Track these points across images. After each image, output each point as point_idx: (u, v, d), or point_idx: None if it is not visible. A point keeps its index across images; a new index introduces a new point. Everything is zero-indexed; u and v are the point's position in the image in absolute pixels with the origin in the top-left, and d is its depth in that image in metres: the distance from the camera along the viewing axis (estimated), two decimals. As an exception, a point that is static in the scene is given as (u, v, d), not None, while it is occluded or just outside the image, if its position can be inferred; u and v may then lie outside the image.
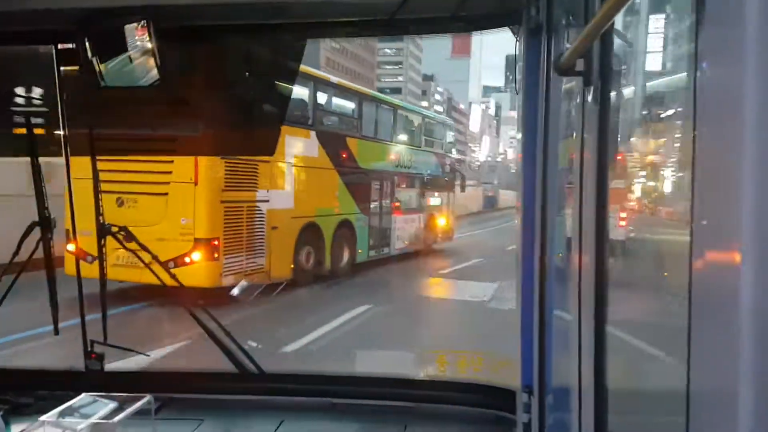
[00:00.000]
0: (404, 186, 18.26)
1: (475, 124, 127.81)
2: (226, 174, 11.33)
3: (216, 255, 10.89)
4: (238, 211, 11.54)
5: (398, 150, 17.73)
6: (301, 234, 13.23)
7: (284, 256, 12.74)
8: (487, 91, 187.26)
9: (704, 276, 0.79)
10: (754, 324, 0.65)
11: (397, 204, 17.69)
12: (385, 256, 17.05)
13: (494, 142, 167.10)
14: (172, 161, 10.62)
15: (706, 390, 0.78)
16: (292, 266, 12.94)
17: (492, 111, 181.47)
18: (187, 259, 10.56)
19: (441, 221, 20.79)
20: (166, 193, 10.86)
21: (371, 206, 16.47)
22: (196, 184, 10.82)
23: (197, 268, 10.59)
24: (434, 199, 20.33)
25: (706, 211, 0.79)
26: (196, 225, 10.82)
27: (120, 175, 10.03)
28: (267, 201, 12.18)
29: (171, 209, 10.80)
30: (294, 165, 13.15)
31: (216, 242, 10.89)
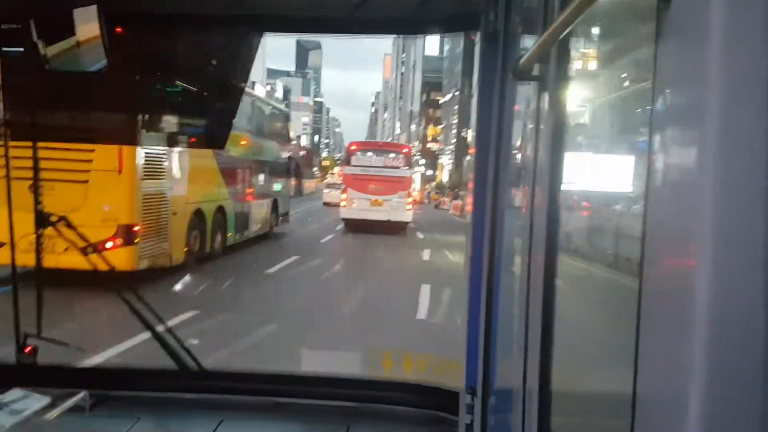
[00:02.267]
0: (257, 173, 19.93)
1: None
2: (144, 163, 11.54)
3: (136, 240, 11.43)
4: (151, 198, 12.06)
5: (253, 138, 19.01)
6: (191, 219, 14.12)
7: (181, 240, 13.62)
8: (274, 74, 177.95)
9: (655, 278, 0.80)
10: (704, 327, 0.65)
11: (252, 190, 19.12)
12: (245, 239, 18.46)
13: None
14: (93, 150, 10.45)
15: (652, 392, 0.78)
16: (186, 249, 13.79)
17: (279, 94, 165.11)
18: (108, 244, 10.85)
19: (282, 207, 23.14)
20: (86, 181, 10.91)
21: (236, 192, 17.66)
22: (120, 172, 11.00)
23: (119, 253, 10.90)
24: (276, 185, 22.06)
25: (659, 213, 0.79)
26: (120, 211, 11.16)
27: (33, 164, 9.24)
28: (171, 188, 12.72)
29: (92, 196, 10.93)
30: (185, 153, 13.21)
31: (136, 228, 11.42)
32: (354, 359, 6.97)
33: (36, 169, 2.75)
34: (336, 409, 2.68)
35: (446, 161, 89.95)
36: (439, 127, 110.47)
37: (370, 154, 28.19)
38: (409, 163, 28.83)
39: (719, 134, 0.64)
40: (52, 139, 5.67)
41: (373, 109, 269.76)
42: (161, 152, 11.81)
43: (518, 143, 2.08)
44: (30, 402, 2.29)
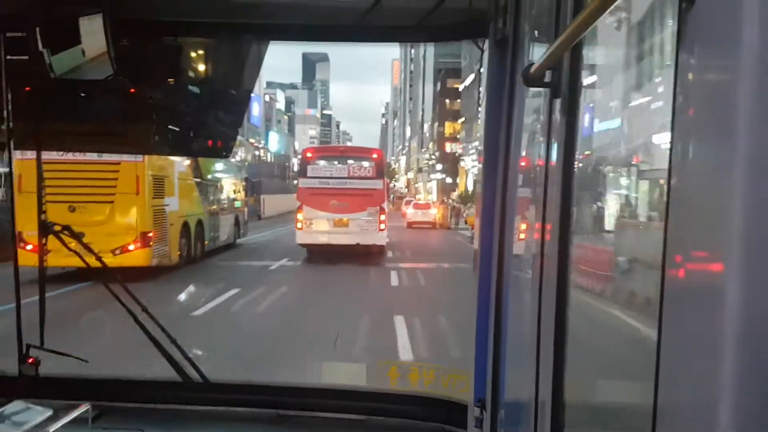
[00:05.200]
0: (223, 191, 23.68)
1: (256, 117, 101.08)
2: (153, 185, 16.26)
3: (150, 243, 15.87)
4: (158, 212, 16.55)
5: (219, 162, 22.37)
6: (181, 229, 18.30)
7: (175, 245, 17.76)
8: (274, 86, 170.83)
9: (677, 283, 0.77)
10: (732, 334, 0.62)
11: (221, 206, 23.09)
12: (217, 247, 22.32)
13: (288, 140, 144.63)
14: (116, 178, 15.40)
15: (675, 405, 0.76)
16: (178, 253, 18.03)
17: (281, 106, 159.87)
18: (131, 247, 15.36)
19: (242, 220, 26.57)
20: (112, 201, 15.51)
21: (210, 207, 21.77)
22: (137, 194, 15.70)
23: (139, 253, 15.49)
24: (237, 202, 25.76)
25: (682, 222, 0.77)
26: (139, 222, 15.67)
27: (71, 189, 14.33)
28: (168, 205, 17.20)
29: (117, 212, 15.52)
30: (177, 178, 18.32)
31: (150, 234, 15.89)
32: (360, 370, 6.92)
33: (40, 177, 2.73)
34: (341, 422, 2.64)
35: (470, 164, 66.98)
36: (459, 121, 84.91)
37: (330, 162, 22.37)
38: (382, 172, 22.96)
39: (746, 137, 0.62)
40: (59, 148, 6.13)
41: (383, 120, 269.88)
42: (162, 176, 16.90)
43: (528, 149, 2.06)
44: (32, 414, 2.27)
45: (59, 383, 2.74)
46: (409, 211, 46.93)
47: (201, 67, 2.96)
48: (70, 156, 12.24)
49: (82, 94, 2.73)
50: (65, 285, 11.30)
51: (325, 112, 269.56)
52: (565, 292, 1.42)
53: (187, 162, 19.14)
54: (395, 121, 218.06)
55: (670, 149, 0.80)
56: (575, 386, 1.49)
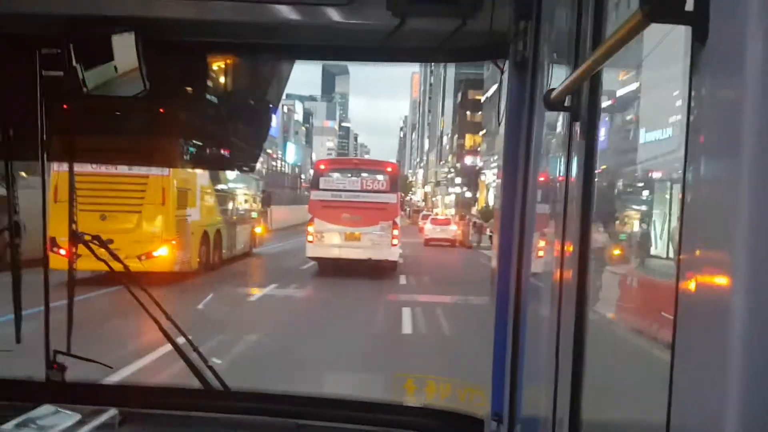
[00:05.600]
0: (241, 203, 24.93)
1: (274, 128, 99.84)
2: (177, 197, 17.66)
3: (174, 250, 17.20)
4: (181, 222, 17.87)
5: (237, 175, 23.39)
6: (201, 237, 19.63)
7: (195, 253, 19.04)
8: (293, 98, 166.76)
9: (690, 307, 0.79)
10: (742, 358, 0.64)
11: (239, 217, 24.19)
12: (234, 256, 23.26)
13: (305, 151, 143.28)
14: (144, 190, 16.84)
15: (686, 426, 0.78)
16: (198, 260, 19.26)
17: (299, 117, 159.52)
18: (155, 253, 16.48)
19: (258, 230, 27.47)
20: (140, 211, 16.93)
21: (228, 218, 22.78)
22: (163, 204, 17.12)
23: (164, 259, 16.76)
24: (254, 213, 26.82)
25: (695, 240, 0.80)
26: (164, 231, 17.09)
27: (102, 199, 15.71)
28: (190, 215, 18.54)
29: (144, 221, 16.96)
30: (199, 190, 19.67)
31: (174, 242, 17.24)
32: (377, 382, 6.87)
33: (72, 188, 2.82)
34: None
35: (491, 178, 62.69)
36: (480, 134, 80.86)
37: (343, 174, 21.79)
38: (395, 186, 22.24)
39: (754, 160, 0.66)
40: (90, 161, 6.63)
41: (401, 134, 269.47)
42: (186, 189, 18.17)
43: (547, 170, 2.09)
44: (59, 418, 2.32)
45: (86, 388, 2.81)
46: (427, 227, 43.20)
47: (227, 85, 3.03)
48: (102, 169, 15.19)
49: (116, 112, 2.81)
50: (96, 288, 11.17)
51: (343, 124, 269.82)
52: (584, 309, 1.45)
53: (208, 175, 20.41)
54: (413, 134, 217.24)
55: (684, 174, 0.84)
56: (593, 404, 1.51)
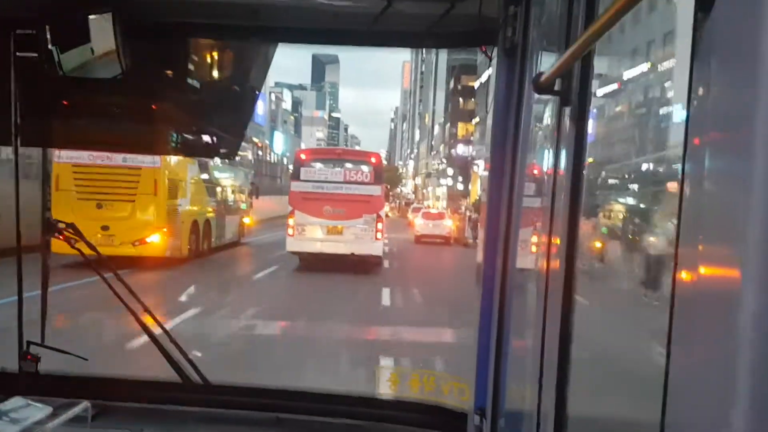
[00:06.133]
0: (230, 195, 26.13)
1: (260, 116, 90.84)
2: (168, 188, 18.94)
3: (165, 237, 18.60)
4: (172, 211, 19.22)
5: (227, 167, 25.60)
6: (191, 226, 20.96)
7: (185, 240, 20.42)
8: (282, 86, 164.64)
9: (687, 302, 0.76)
10: (747, 347, 0.60)
11: (227, 208, 25.48)
12: (223, 244, 24.55)
13: (294, 141, 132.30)
14: (137, 181, 18.09)
15: (684, 420, 0.75)
16: (188, 247, 20.62)
17: (288, 106, 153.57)
18: (148, 240, 18.12)
19: (246, 221, 28.70)
20: (133, 200, 18.27)
21: (217, 208, 24.02)
22: (155, 194, 18.43)
23: (156, 245, 18.33)
24: (243, 205, 28.06)
25: (694, 233, 0.76)
26: (156, 219, 18.43)
27: (99, 188, 17.61)
28: (181, 205, 20.00)
29: (138, 209, 18.31)
30: (189, 182, 21.04)
31: (165, 229, 18.64)
32: (361, 375, 6.84)
33: (45, 174, 2.74)
34: (341, 427, 2.63)
35: (483, 168, 56.52)
36: (474, 122, 76.61)
37: (325, 164, 20.86)
38: (380, 177, 21.17)
39: (762, 146, 0.61)
40: (64, 146, 7.02)
41: (392, 125, 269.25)
42: (177, 180, 19.57)
43: (536, 158, 2.05)
44: (31, 411, 2.26)
45: (59, 381, 2.74)
46: (418, 222, 38.11)
47: (208, 69, 2.97)
48: (98, 161, 17.42)
49: (92, 96, 2.73)
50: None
51: (333, 114, 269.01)
52: (570, 303, 1.41)
53: (198, 167, 21.76)
54: (404, 125, 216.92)
55: (683, 158, 0.80)
56: (579, 398, 1.48)
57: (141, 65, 2.57)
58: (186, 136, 3.13)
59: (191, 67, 2.81)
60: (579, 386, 1.47)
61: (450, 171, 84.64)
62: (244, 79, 3.07)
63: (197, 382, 2.72)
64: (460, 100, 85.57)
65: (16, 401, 2.30)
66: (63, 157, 16.74)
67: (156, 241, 18.39)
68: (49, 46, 2.40)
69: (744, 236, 0.62)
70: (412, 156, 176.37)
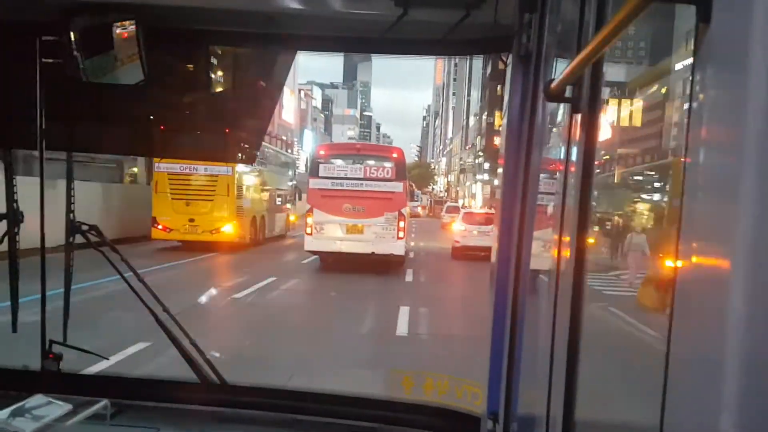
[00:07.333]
0: (278, 196, 31.22)
1: (289, 113, 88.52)
2: (237, 190, 24.60)
3: (234, 228, 24.19)
4: (239, 208, 24.74)
5: (275, 174, 31.26)
6: (251, 220, 26.50)
7: (247, 231, 26.05)
8: (311, 84, 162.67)
9: (687, 303, 0.77)
10: (738, 362, 0.62)
11: (276, 207, 30.57)
12: (273, 236, 29.79)
13: (324, 140, 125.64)
14: (215, 185, 24.14)
15: (682, 426, 0.76)
16: (249, 236, 26.28)
17: (318, 104, 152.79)
18: (222, 229, 23.90)
19: (291, 218, 33.90)
20: (212, 199, 24.03)
21: (269, 207, 29.46)
22: (228, 195, 24.25)
23: (227, 233, 24.13)
24: (288, 204, 33.17)
25: (694, 234, 0.77)
26: (228, 214, 24.11)
27: (187, 191, 23.94)
28: (245, 204, 25.53)
29: (215, 206, 23.99)
30: (251, 187, 26.97)
31: (235, 222, 24.24)
32: (375, 378, 6.86)
33: (70, 177, 2.81)
34: (355, 429, 2.65)
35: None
36: None
37: (345, 160, 20.03)
38: (402, 173, 20.06)
39: (756, 151, 0.63)
40: (88, 150, 7.51)
41: (424, 123, 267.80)
42: (242, 185, 25.27)
43: (548, 165, 2.05)
44: (51, 409, 2.33)
45: (80, 380, 2.81)
46: (458, 229, 26.30)
47: (227, 76, 3.00)
48: (187, 171, 23.64)
49: (115, 101, 2.79)
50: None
51: (365, 113, 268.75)
52: (579, 306, 1.41)
53: (256, 174, 27.51)
54: (436, 122, 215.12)
55: (684, 163, 0.81)
56: (587, 403, 1.48)
57: (162, 71, 2.63)
58: (205, 141, 3.18)
59: (210, 73, 2.85)
60: (588, 390, 1.47)
61: (487, 165, 79.27)
62: (261, 87, 3.11)
63: (215, 383, 2.76)
64: (498, 86, 72.65)
65: (37, 399, 2.36)
66: (161, 167, 23.38)
67: (228, 230, 24.04)
68: (74, 53, 2.46)
69: (736, 239, 0.64)
70: (445, 153, 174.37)
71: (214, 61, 2.86)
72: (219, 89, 2.96)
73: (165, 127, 2.99)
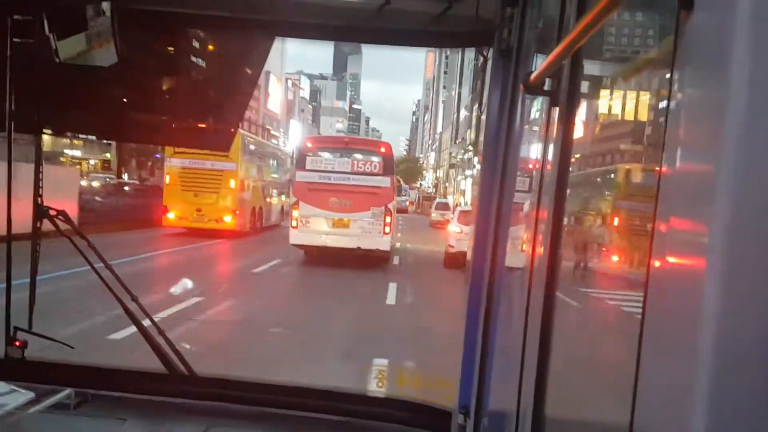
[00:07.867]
0: (272, 187, 32.50)
1: (275, 103, 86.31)
2: (240, 184, 26.44)
3: (236, 217, 26.14)
4: (241, 200, 26.65)
5: (272, 167, 33.08)
6: (251, 210, 28.33)
7: (248, 220, 27.84)
8: (299, 75, 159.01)
9: (658, 300, 0.76)
10: (710, 358, 0.61)
11: (272, 198, 32.52)
12: (269, 225, 31.39)
13: (311, 131, 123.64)
14: (221, 178, 25.82)
15: (651, 421, 0.75)
16: (249, 225, 27.96)
17: (306, 94, 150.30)
18: (226, 219, 25.85)
19: (285, 209, 34.60)
20: (218, 192, 25.78)
21: (266, 199, 31.26)
22: (232, 188, 26.00)
23: (231, 222, 26.02)
24: (283, 196, 34.09)
25: (668, 229, 0.76)
26: (232, 204, 26.03)
27: (196, 183, 25.66)
28: (246, 196, 27.37)
29: (220, 198, 25.84)
30: (251, 180, 28.55)
31: (237, 212, 26.24)
32: (348, 371, 6.89)
33: (38, 161, 2.74)
34: (324, 423, 2.63)
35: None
36: None
37: (332, 154, 19.64)
38: (390, 168, 19.69)
39: (733, 147, 0.62)
40: (58, 133, 7.49)
41: (414, 118, 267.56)
42: (244, 178, 26.99)
43: (526, 160, 2.05)
44: (14, 397, 2.28)
45: (44, 368, 2.75)
46: (454, 230, 21.02)
47: (202, 60, 2.95)
48: (195, 166, 25.38)
49: (87, 84, 2.73)
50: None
51: (354, 106, 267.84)
52: (551, 303, 1.41)
53: (256, 169, 29.49)
54: (426, 116, 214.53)
55: (661, 157, 0.80)
56: (558, 398, 1.48)
57: (137, 54, 2.57)
58: (180, 126, 3.13)
59: (186, 57, 2.80)
60: (558, 386, 1.46)
61: (476, 160, 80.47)
62: (238, 74, 3.06)
63: (183, 374, 2.72)
64: (477, 83, 78.90)
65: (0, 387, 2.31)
66: (173, 162, 25.57)
67: (230, 220, 26.16)
68: (46, 33, 2.40)
69: (710, 236, 0.63)
70: (434, 147, 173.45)
71: (189, 45, 2.81)
72: (194, 74, 2.91)
73: (137, 111, 2.94)
